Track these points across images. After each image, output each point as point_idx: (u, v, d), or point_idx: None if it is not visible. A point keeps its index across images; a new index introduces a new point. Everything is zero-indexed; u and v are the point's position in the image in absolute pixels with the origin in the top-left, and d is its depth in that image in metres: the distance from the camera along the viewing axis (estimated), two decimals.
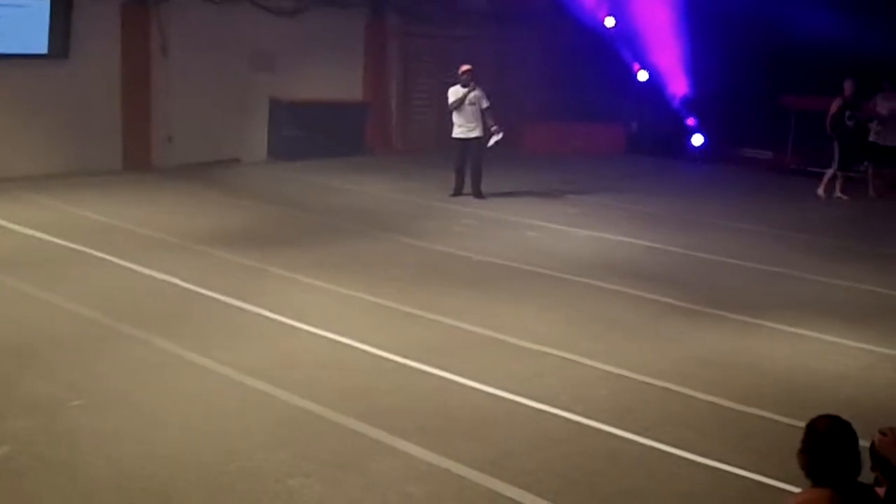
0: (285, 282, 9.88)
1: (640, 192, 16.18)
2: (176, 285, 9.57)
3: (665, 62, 20.71)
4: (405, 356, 7.66)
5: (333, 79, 19.51)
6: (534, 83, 22.51)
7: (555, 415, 6.63)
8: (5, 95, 15.55)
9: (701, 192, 16.93)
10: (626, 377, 7.41)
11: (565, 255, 11.46)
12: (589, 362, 7.70)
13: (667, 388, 7.21)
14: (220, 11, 17.64)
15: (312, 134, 18.63)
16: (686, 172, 19.21)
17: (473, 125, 15.07)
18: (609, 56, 20.77)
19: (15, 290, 9.25)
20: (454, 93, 15.08)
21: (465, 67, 15.14)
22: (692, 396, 7.08)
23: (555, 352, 7.92)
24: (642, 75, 21.14)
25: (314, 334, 8.18)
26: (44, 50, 15.74)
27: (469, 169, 15.13)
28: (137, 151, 16.87)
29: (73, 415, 6.35)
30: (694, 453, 6.08)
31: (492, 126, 15.10)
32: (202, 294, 9.29)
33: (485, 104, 15.09)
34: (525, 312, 9.09)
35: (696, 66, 20.16)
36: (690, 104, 20.69)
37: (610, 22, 20.92)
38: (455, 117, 15.13)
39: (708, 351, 8.14)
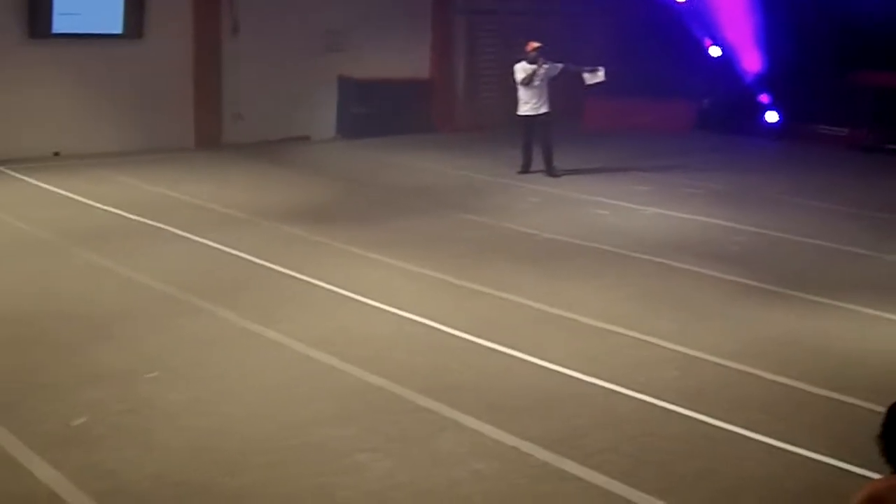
0: (352, 257, 9.90)
1: (712, 170, 15.93)
2: (245, 260, 9.65)
3: (737, 37, 20.36)
4: (471, 333, 7.64)
5: (400, 57, 19.48)
6: (601, 58, 22.26)
7: (624, 395, 6.56)
8: (82, 75, 15.80)
9: (774, 169, 16.63)
10: (698, 358, 7.31)
11: (634, 233, 11.34)
12: (659, 342, 7.61)
13: (739, 370, 7.09)
14: None
15: (380, 111, 18.66)
16: (759, 149, 18.88)
17: (540, 102, 14.92)
18: (680, 31, 20.48)
19: (90, 263, 9.40)
20: (522, 69, 14.90)
21: (533, 44, 14.98)
22: (765, 378, 6.96)
23: (624, 331, 7.84)
24: (714, 51, 20.81)
25: (380, 309, 8.19)
26: (119, 30, 15.97)
27: (539, 147, 14.98)
28: (208, 129, 17.05)
29: (148, 386, 6.43)
30: (767, 436, 5.96)
31: (586, 70, 15.25)
32: (271, 268, 9.35)
33: (559, 67, 14.99)
34: (593, 291, 9.01)
35: (770, 42, 19.79)
36: (763, 80, 20.33)
37: None
38: (522, 94, 14.96)
39: (781, 332, 7.99)
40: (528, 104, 14.94)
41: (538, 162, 14.95)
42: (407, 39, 19.62)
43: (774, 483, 5.43)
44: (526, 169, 15.02)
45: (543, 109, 14.94)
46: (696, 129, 20.69)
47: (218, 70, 17.08)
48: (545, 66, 14.83)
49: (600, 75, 15.24)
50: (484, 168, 15.54)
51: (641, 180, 14.84)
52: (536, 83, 14.86)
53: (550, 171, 14.90)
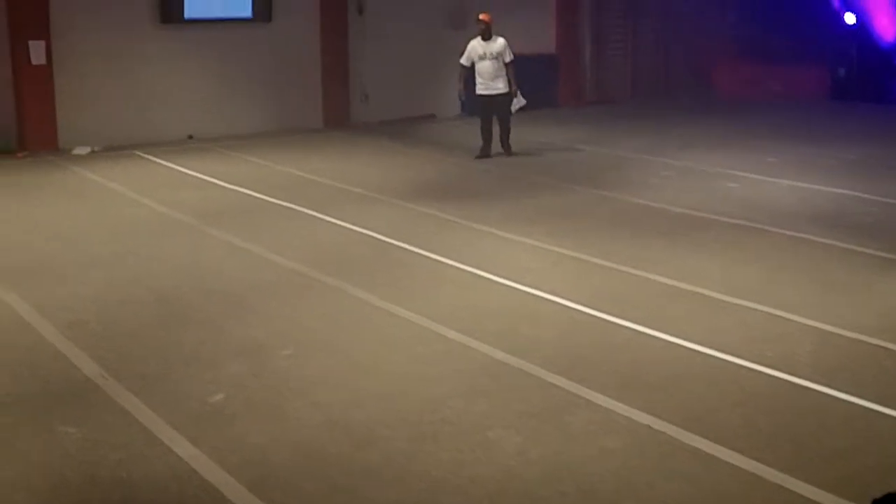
0: (477, 234, 9.95)
1: (847, 140, 15.49)
2: (372, 237, 9.79)
3: (874, 4, 19.71)
4: (599, 309, 7.61)
5: (525, 32, 19.39)
6: (730, 22, 21.85)
7: (757, 371, 6.44)
8: (214, 58, 16.21)
9: None
10: (834, 333, 7.14)
11: (766, 206, 11.11)
12: (793, 317, 7.45)
13: (878, 346, 6.90)
14: None
15: None
16: (894, 119, 18.26)
17: (493, 81, 13.99)
18: None
19: (222, 241, 9.66)
20: (471, 47, 14.16)
21: (481, 16, 14.20)
22: None
23: (756, 306, 7.70)
24: (850, 18, 20.19)
25: (507, 286, 8.21)
26: (248, 14, 16.32)
27: (498, 126, 14.19)
28: (337, 109, 17.34)
29: (283, 362, 6.59)
30: None
31: (514, 88, 14.00)
32: (397, 246, 9.47)
33: (507, 58, 14.00)
34: (725, 265, 8.87)
35: None
36: None
37: None
38: (476, 73, 14.13)
39: None
40: (482, 84, 14.08)
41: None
42: (531, 13, 19.56)
43: None
44: (485, 153, 14.20)
45: (500, 89, 13.99)
46: (830, 97, 20.15)
47: (345, 51, 17.33)
48: (495, 43, 14.01)
49: (516, 104, 14.07)
50: (611, 142, 15.41)
51: (773, 151, 14.53)
52: (487, 61, 13.96)
53: (507, 151, 14.25)
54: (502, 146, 14.35)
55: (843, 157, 14.01)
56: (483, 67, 14.03)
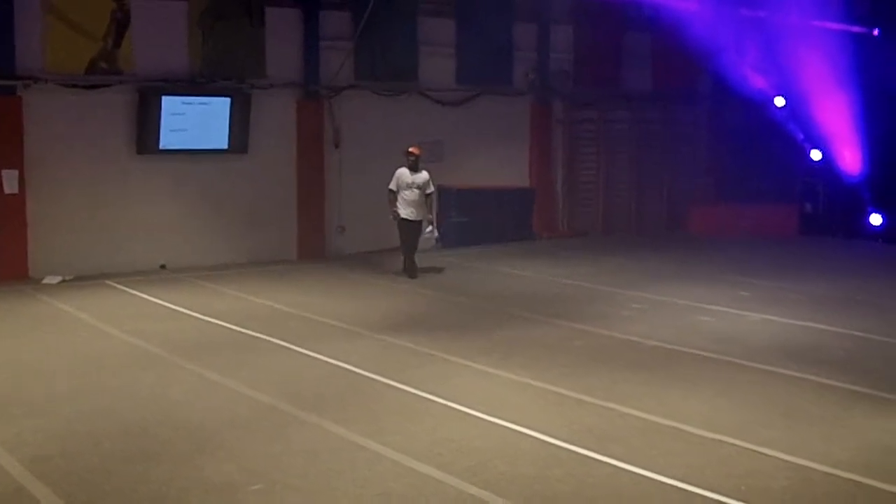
0: (453, 367, 9.91)
1: (816, 275, 15.69)
2: (347, 370, 9.74)
3: (839, 140, 20.21)
4: (575, 443, 7.55)
5: (500, 165, 19.79)
6: (700, 164, 22.40)
7: None
8: (188, 189, 16.34)
9: (879, 272, 16.33)
10: (808, 467, 7.10)
11: (739, 340, 11.16)
12: (767, 451, 7.42)
13: (852, 480, 6.87)
14: (389, 103, 18.20)
15: (480, 220, 18.85)
16: (864, 253, 18.56)
17: (415, 208, 15.16)
18: (780, 135, 20.45)
19: (196, 375, 9.57)
20: (399, 175, 15.17)
21: (411, 149, 15.29)
22: (879, 489, 6.72)
23: (730, 440, 7.67)
24: (815, 154, 20.67)
25: (483, 420, 8.15)
26: (224, 146, 16.48)
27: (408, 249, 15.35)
28: (311, 241, 17.45)
29: (252, 498, 6.46)
30: None
31: (430, 217, 15.43)
32: (372, 379, 9.41)
33: (429, 190, 15.26)
34: (698, 399, 8.85)
35: (873, 144, 19.58)
36: (866, 182, 20.07)
37: (780, 102, 20.61)
38: (399, 199, 15.18)
39: (893, 440, 7.73)
40: (406, 210, 15.17)
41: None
42: (507, 148, 19.95)
43: None
44: (412, 273, 15.34)
45: (419, 217, 15.22)
46: (799, 233, 20.50)
47: (321, 183, 17.52)
48: (420, 174, 15.18)
49: (430, 235, 15.47)
50: (585, 275, 15.53)
51: (745, 286, 14.67)
52: (414, 190, 15.08)
53: (411, 274, 15.30)
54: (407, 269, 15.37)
55: (812, 292, 14.16)
56: (408, 196, 15.12)
